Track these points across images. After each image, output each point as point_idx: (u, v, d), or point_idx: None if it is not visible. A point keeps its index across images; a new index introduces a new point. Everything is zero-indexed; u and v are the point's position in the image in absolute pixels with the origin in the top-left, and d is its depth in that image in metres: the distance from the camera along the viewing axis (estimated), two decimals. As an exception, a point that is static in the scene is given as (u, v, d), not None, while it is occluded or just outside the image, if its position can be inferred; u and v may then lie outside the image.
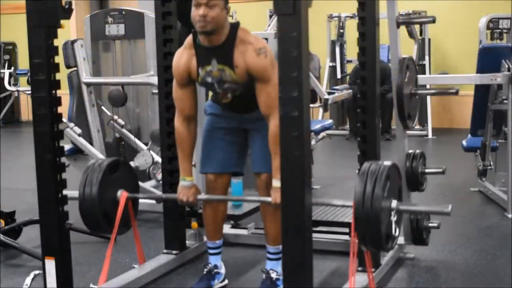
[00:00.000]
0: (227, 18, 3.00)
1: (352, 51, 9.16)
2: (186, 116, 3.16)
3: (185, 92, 3.14)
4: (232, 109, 3.22)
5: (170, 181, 3.66)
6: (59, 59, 2.94)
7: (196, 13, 2.93)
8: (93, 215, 3.10)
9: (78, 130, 4.83)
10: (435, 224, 3.71)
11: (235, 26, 3.03)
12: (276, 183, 2.90)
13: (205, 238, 3.86)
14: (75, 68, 4.98)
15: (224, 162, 3.26)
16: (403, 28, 8.26)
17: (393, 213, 2.61)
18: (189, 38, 3.10)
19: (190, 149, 3.20)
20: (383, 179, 2.52)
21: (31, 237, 4.10)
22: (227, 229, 4.13)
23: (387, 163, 2.63)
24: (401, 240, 3.78)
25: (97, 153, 4.83)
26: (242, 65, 2.98)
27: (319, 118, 8.72)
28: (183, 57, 3.10)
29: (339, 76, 9.51)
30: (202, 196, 3.25)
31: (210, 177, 3.27)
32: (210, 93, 3.36)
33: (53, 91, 2.90)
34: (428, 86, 6.57)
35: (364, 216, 2.49)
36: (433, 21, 3.66)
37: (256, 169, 3.18)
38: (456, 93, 3.57)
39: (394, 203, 2.61)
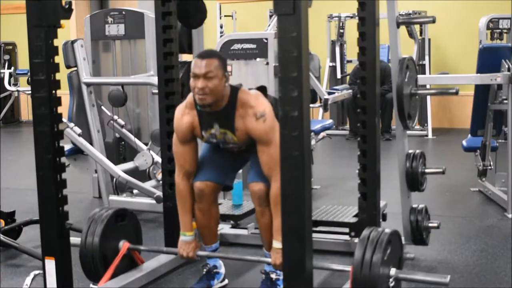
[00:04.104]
0: (227, 84, 2.96)
1: (352, 51, 9.16)
2: (186, 172, 3.16)
3: (186, 149, 3.14)
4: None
5: (170, 181, 3.65)
6: (59, 59, 2.94)
7: (194, 84, 2.89)
8: (93, 265, 3.17)
9: (78, 130, 4.83)
10: (435, 224, 3.71)
11: (235, 89, 3.01)
12: (277, 244, 2.94)
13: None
14: (75, 68, 4.98)
15: (215, 172, 3.22)
16: (403, 28, 8.27)
17: (391, 280, 2.62)
18: (190, 98, 3.07)
19: (190, 205, 3.20)
20: (383, 246, 2.54)
21: (31, 237, 4.10)
22: (227, 229, 4.13)
23: (388, 230, 2.65)
24: (401, 240, 3.79)
25: (97, 153, 4.83)
26: (242, 128, 2.99)
27: (319, 118, 8.72)
28: (185, 116, 3.08)
29: (339, 76, 9.51)
30: (202, 252, 3.27)
31: (198, 185, 3.20)
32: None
33: (53, 91, 2.90)
34: (428, 86, 6.57)
35: (362, 282, 2.51)
36: (433, 21, 3.65)
37: (251, 178, 3.13)
38: (456, 93, 3.57)
39: (393, 271, 2.62)
